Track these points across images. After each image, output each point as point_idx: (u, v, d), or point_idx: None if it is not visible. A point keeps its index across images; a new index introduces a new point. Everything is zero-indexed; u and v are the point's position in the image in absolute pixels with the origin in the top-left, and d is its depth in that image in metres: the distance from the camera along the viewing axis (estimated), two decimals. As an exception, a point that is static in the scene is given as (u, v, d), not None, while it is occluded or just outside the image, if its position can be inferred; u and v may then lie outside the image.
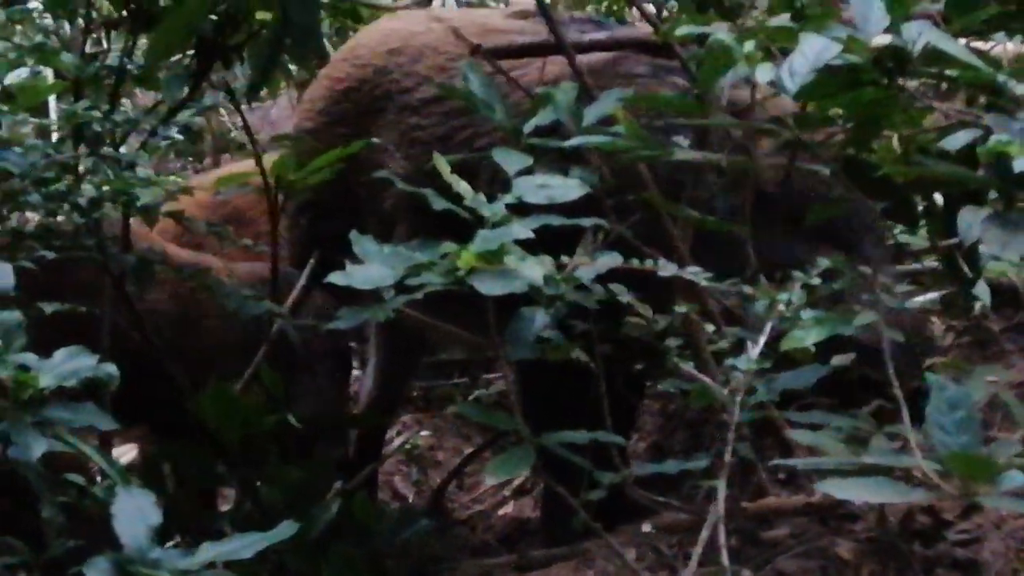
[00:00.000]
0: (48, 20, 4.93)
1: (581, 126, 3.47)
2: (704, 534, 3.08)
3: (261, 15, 3.94)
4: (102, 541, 2.80)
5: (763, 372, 3.09)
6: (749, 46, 2.94)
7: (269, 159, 4.44)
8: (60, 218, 4.07)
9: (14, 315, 3.06)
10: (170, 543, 3.91)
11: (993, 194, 2.80)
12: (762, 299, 3.03)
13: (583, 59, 4.03)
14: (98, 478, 3.56)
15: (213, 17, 3.92)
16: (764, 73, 2.91)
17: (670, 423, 5.21)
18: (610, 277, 3.22)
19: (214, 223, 4.42)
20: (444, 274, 3.03)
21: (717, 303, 3.58)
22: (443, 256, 3.07)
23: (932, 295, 3.99)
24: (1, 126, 4.19)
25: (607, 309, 3.29)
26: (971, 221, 2.73)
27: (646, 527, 3.56)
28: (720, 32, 2.97)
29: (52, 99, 4.70)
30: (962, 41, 3.18)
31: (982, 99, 2.99)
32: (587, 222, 3.33)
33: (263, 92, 6.04)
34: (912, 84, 2.90)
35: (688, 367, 3.21)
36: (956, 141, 2.87)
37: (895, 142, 3.03)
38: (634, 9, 4.91)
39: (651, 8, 5.13)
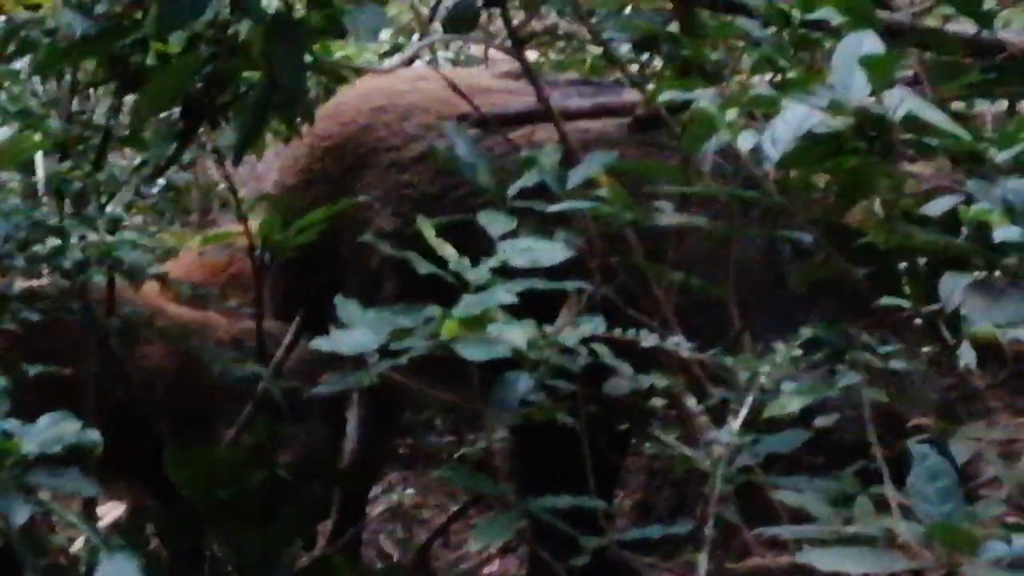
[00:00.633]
0: (35, 79, 4.93)
1: (565, 189, 3.48)
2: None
3: (248, 74, 3.95)
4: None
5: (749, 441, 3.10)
6: (732, 114, 2.95)
7: (256, 217, 4.46)
8: (44, 280, 4.08)
9: (-1, 381, 3.07)
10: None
11: (975, 260, 2.81)
12: (744, 370, 3.04)
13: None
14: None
15: (200, 76, 3.93)
16: (746, 141, 2.92)
17: (655, 480, 5.20)
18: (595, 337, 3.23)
19: (200, 286, 4.44)
20: (428, 339, 3.04)
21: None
22: (427, 321, 3.07)
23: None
24: (-16, 187, 4.20)
25: (592, 369, 3.29)
26: (953, 287, 2.74)
27: (634, 588, 3.56)
28: (703, 99, 2.98)
29: (39, 156, 4.69)
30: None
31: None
32: (571, 285, 3.34)
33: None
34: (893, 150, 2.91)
35: (672, 431, 3.21)
36: (938, 207, 2.88)
37: (877, 207, 3.04)
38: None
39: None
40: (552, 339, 3.14)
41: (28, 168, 5.06)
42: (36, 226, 3.83)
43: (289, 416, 4.46)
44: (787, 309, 3.82)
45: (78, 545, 4.34)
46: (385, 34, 5.93)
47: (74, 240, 3.92)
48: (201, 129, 4.29)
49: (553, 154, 3.62)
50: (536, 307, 3.20)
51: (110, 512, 5.44)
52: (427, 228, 3.37)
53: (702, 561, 2.89)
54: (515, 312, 3.12)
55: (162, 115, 4.32)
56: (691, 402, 3.29)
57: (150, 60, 4.01)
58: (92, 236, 3.94)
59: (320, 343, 3.07)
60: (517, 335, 3.02)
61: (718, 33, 3.78)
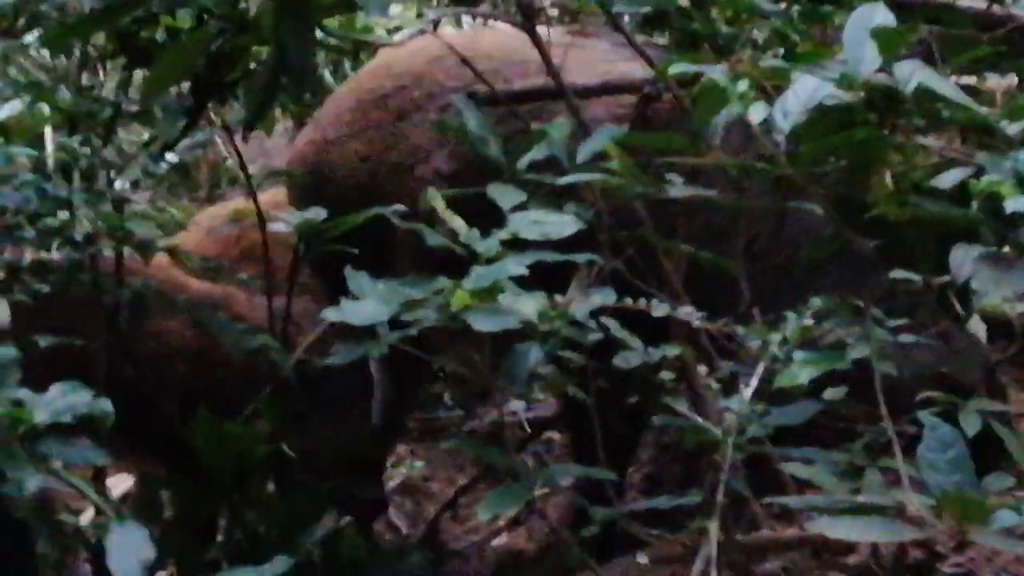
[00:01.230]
0: (44, 53, 4.93)
1: (575, 162, 3.49)
2: (697, 567, 3.08)
3: (257, 50, 3.95)
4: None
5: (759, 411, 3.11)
6: (743, 85, 2.96)
7: (273, 194, 4.45)
8: (55, 254, 4.08)
9: (9, 351, 3.07)
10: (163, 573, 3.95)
11: (985, 233, 2.81)
12: (754, 338, 3.05)
13: None
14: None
15: (209, 52, 3.93)
16: (757, 112, 2.93)
17: (665, 454, 5.21)
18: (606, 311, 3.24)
19: (210, 259, 4.44)
20: (439, 310, 3.05)
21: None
22: (437, 292, 3.08)
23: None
24: (-3, 161, 4.20)
25: (602, 343, 3.30)
26: (963, 259, 2.74)
27: (640, 559, 3.57)
28: (714, 71, 2.99)
29: (49, 131, 4.69)
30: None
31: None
32: (581, 258, 3.35)
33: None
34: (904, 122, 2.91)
35: (682, 403, 3.22)
36: (948, 179, 2.89)
37: (888, 180, 3.04)
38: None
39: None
40: (562, 311, 3.15)
41: (38, 143, 5.06)
42: (46, 199, 3.83)
43: (304, 398, 4.44)
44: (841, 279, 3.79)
45: (86, 519, 4.34)
46: (396, 8, 5.91)
47: (83, 213, 3.93)
48: (210, 105, 4.29)
49: (563, 128, 3.62)
50: (547, 280, 3.21)
51: (119, 485, 5.46)
52: (437, 200, 3.37)
53: (713, 529, 2.89)
54: (525, 285, 3.13)
55: (171, 90, 4.32)
56: (702, 373, 3.30)
57: (159, 35, 4.02)
58: (101, 209, 3.94)
59: (330, 314, 3.08)
60: (527, 306, 3.03)
61: (728, 6, 3.78)
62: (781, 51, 3.53)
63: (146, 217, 4.11)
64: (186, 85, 4.12)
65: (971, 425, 3.48)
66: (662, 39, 4.41)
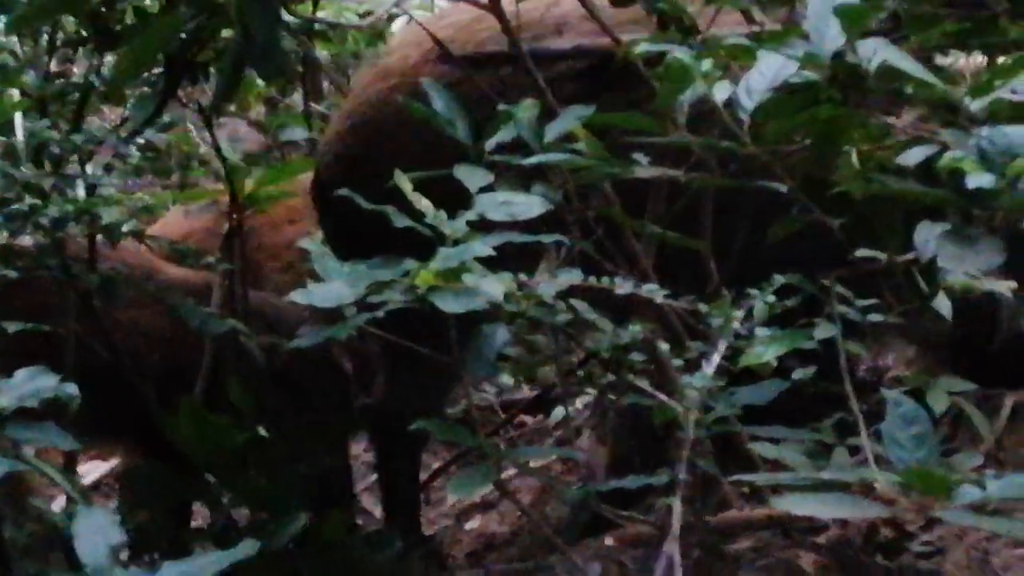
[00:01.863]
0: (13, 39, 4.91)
1: (542, 143, 3.48)
2: (666, 548, 3.09)
3: (228, 32, 3.95)
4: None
5: (723, 387, 3.11)
6: (707, 64, 2.96)
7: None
8: (27, 239, 4.07)
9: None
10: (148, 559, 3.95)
11: (951, 210, 2.81)
12: (717, 316, 3.05)
13: None
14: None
15: (181, 35, 3.92)
16: (721, 92, 2.93)
17: (634, 436, 5.21)
18: (574, 293, 3.24)
19: (178, 242, 4.43)
20: (405, 292, 3.04)
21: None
22: (405, 274, 3.08)
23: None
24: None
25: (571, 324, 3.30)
26: (927, 237, 2.75)
27: (609, 540, 3.58)
28: (678, 50, 2.99)
29: (19, 116, 4.68)
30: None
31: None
32: (548, 239, 3.34)
33: (234, 108, 6.08)
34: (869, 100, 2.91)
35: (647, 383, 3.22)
36: (913, 157, 2.89)
37: (854, 158, 3.04)
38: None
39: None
40: (529, 291, 3.14)
41: (7, 129, 5.04)
42: (15, 184, 3.83)
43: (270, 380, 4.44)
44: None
45: (58, 506, 4.34)
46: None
47: (53, 198, 3.92)
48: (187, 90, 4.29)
49: (531, 108, 3.61)
50: (517, 263, 3.21)
51: (91, 471, 5.46)
52: (403, 182, 3.37)
53: (676, 505, 2.90)
54: (493, 267, 3.12)
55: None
56: (666, 351, 3.30)
57: (129, 18, 4.01)
58: (71, 194, 3.94)
59: (296, 296, 3.08)
60: (494, 287, 3.03)
61: (694, -14, 3.77)
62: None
63: (114, 202, 4.09)
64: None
65: (939, 403, 3.49)
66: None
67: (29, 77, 4.19)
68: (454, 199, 3.31)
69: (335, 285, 3.10)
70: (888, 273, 3.17)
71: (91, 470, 5.44)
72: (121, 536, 2.84)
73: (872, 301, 3.22)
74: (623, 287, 3.13)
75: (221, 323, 4.07)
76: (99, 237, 4.15)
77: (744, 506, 3.57)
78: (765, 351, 2.94)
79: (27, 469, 2.98)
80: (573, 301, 3.25)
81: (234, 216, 4.30)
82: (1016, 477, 2.56)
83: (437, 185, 3.35)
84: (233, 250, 4.35)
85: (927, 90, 2.83)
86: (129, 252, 4.43)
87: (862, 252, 3.09)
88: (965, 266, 2.70)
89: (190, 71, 4.06)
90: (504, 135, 3.57)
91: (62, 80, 4.36)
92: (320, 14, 5.59)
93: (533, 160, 3.37)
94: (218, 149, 4.57)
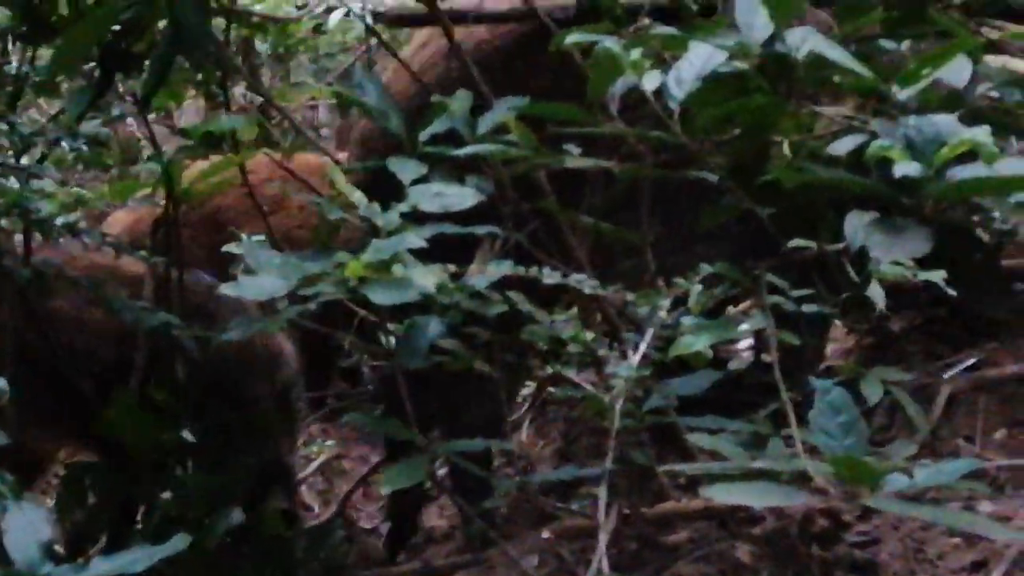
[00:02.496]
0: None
1: (475, 134, 3.47)
2: (603, 539, 3.09)
3: (162, 23, 3.92)
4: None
5: (657, 376, 3.11)
6: (636, 54, 2.95)
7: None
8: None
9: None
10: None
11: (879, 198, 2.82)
12: (643, 305, 3.04)
13: None
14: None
15: (116, 26, 3.90)
16: (651, 81, 2.92)
17: (574, 429, 5.22)
18: (511, 285, 3.23)
19: (108, 234, 4.40)
20: (336, 284, 3.03)
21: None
22: (338, 266, 3.06)
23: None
24: None
25: (506, 316, 3.29)
26: (857, 225, 2.75)
27: (546, 533, 3.57)
28: (607, 40, 2.98)
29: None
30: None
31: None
32: (482, 231, 3.33)
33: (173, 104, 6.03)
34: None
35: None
36: (843, 146, 2.90)
37: (785, 148, 3.05)
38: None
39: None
40: (462, 283, 3.13)
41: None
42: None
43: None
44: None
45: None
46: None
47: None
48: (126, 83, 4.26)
49: (464, 100, 3.59)
50: (452, 255, 3.20)
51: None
52: (338, 177, 3.35)
53: (602, 494, 2.90)
54: (429, 260, 3.11)
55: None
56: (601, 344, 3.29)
57: (63, 9, 3.98)
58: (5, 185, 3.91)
59: (228, 289, 3.05)
60: (426, 279, 3.01)
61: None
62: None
63: (48, 196, 4.04)
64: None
65: (873, 393, 3.50)
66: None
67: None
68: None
69: (267, 278, 3.08)
70: (820, 263, 3.18)
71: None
72: (52, 532, 2.82)
73: (807, 291, 3.22)
74: (551, 277, 3.12)
75: (154, 316, 4.03)
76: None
77: (681, 497, 3.57)
78: (695, 341, 2.94)
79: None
80: (510, 293, 3.23)
81: (169, 209, 4.26)
82: (944, 465, 2.57)
83: None
84: (170, 242, 4.31)
85: (856, 80, 2.84)
86: (67, 250, 4.38)
87: (794, 242, 3.09)
88: (894, 254, 2.71)
89: (124, 62, 4.03)
90: (438, 126, 3.56)
91: (-4, 72, 4.32)
92: (258, 8, 5.60)
93: (466, 151, 3.35)
94: (154, 141, 4.54)
